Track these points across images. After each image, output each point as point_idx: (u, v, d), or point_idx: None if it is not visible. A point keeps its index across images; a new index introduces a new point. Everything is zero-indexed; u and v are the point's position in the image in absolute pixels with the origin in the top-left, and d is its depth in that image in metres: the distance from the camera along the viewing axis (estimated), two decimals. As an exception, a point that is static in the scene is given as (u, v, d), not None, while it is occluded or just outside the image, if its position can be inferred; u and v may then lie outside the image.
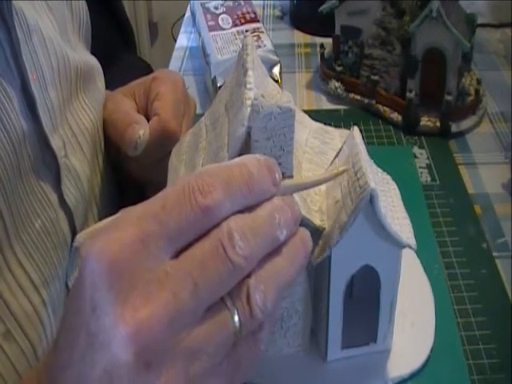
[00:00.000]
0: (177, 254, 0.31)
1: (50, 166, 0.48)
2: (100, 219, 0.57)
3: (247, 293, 0.32)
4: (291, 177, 0.40)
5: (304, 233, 0.35)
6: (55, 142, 0.48)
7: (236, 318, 0.32)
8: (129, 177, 0.63)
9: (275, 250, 0.33)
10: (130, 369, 0.30)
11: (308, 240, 0.35)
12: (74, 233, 0.51)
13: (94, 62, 0.60)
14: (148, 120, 0.56)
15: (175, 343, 0.30)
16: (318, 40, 0.95)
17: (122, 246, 0.30)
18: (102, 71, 0.62)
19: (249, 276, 0.32)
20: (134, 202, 0.34)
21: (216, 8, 0.92)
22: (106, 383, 0.30)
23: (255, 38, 0.85)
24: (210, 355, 0.31)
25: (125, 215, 0.32)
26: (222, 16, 0.90)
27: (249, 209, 0.33)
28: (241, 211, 0.32)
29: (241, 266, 0.31)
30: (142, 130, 0.54)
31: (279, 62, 0.81)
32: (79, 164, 0.53)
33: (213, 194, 0.31)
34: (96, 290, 0.30)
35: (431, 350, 0.49)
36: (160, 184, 0.48)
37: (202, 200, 0.31)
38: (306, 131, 0.49)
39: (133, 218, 0.31)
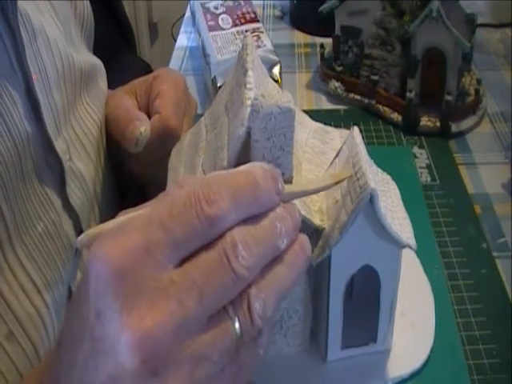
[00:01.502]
0: (181, 263, 0.31)
1: (54, 169, 0.48)
2: (101, 220, 0.57)
3: (248, 302, 0.32)
4: (291, 177, 0.40)
5: (303, 239, 0.36)
6: (59, 146, 0.48)
7: (237, 326, 0.32)
8: (129, 176, 0.63)
9: (276, 258, 0.34)
10: (136, 376, 0.30)
11: (307, 246, 0.36)
12: (79, 235, 0.50)
13: (96, 61, 0.60)
14: (149, 118, 0.56)
15: (180, 351, 0.30)
16: (318, 40, 0.95)
17: (128, 252, 0.30)
18: (104, 71, 0.62)
19: (250, 285, 0.32)
20: (135, 203, 0.34)
21: (216, 8, 0.92)
22: None
23: (255, 38, 0.85)
24: (213, 362, 0.32)
25: (130, 221, 0.32)
26: (222, 16, 0.90)
27: (252, 218, 0.33)
28: (244, 220, 0.33)
29: (243, 277, 0.31)
30: (143, 127, 0.54)
31: (279, 61, 0.81)
32: (84, 167, 0.53)
33: (219, 204, 0.31)
34: (101, 296, 0.30)
35: (431, 350, 0.49)
36: (161, 182, 0.48)
37: (208, 210, 0.31)
38: (306, 131, 0.49)
39: (138, 225, 0.31)
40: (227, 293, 0.31)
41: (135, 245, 0.31)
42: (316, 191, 0.39)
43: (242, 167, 0.35)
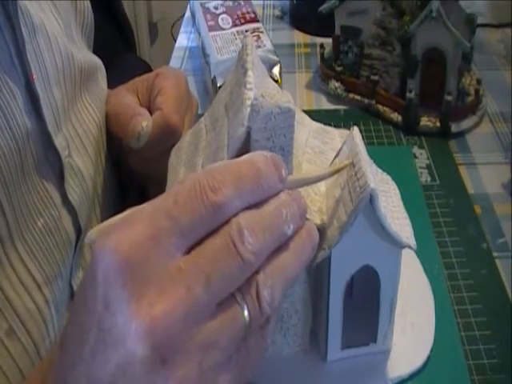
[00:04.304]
0: (188, 250, 0.32)
1: (53, 165, 0.48)
2: (103, 219, 0.57)
3: (256, 288, 0.32)
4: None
5: (310, 226, 0.36)
6: (59, 142, 0.48)
7: (246, 313, 0.32)
8: (130, 174, 0.63)
9: (283, 245, 0.34)
10: (146, 364, 0.30)
11: (314, 233, 0.36)
12: (78, 232, 0.51)
13: (97, 61, 0.60)
14: (150, 115, 0.56)
15: (189, 338, 0.31)
16: (318, 40, 0.95)
17: (135, 242, 0.31)
18: (104, 70, 0.62)
19: (257, 271, 0.33)
20: (135, 203, 0.34)
21: (216, 8, 0.92)
22: (119, 379, 0.30)
23: (255, 38, 0.85)
24: (221, 349, 0.32)
25: (136, 211, 0.32)
26: (222, 16, 0.90)
27: (256, 205, 0.33)
28: (248, 207, 0.33)
29: (250, 262, 0.32)
30: (145, 122, 0.55)
31: (279, 61, 0.81)
32: (83, 164, 0.53)
33: (223, 191, 0.32)
34: (110, 286, 0.30)
35: (431, 350, 0.49)
36: (161, 180, 0.48)
37: (213, 197, 0.31)
38: (306, 131, 0.49)
39: (145, 214, 0.32)
40: (235, 279, 0.32)
41: (142, 234, 0.31)
42: (318, 179, 0.39)
43: (243, 156, 0.35)
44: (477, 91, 0.76)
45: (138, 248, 0.31)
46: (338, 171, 0.40)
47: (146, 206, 0.32)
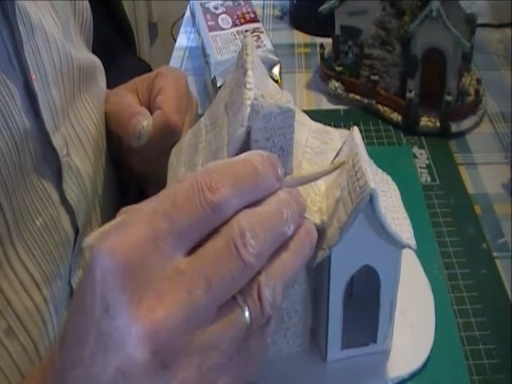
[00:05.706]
0: (188, 252, 0.32)
1: (51, 164, 0.48)
2: (103, 218, 0.57)
3: (258, 290, 0.32)
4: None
5: (309, 224, 0.36)
6: (57, 141, 0.48)
7: (247, 315, 0.32)
8: (130, 173, 0.63)
9: (282, 245, 0.34)
10: (147, 368, 0.30)
11: (313, 232, 0.36)
12: (76, 231, 0.51)
13: (96, 60, 0.60)
14: (151, 114, 0.56)
15: (190, 341, 0.31)
16: (318, 40, 0.95)
17: (134, 244, 0.30)
18: (103, 70, 0.62)
19: (259, 272, 0.32)
20: (135, 202, 0.34)
21: (216, 8, 0.92)
22: (119, 382, 0.30)
23: (255, 38, 0.85)
24: (222, 351, 0.32)
25: (134, 213, 0.32)
26: (222, 16, 0.90)
27: (254, 204, 0.33)
28: (246, 206, 0.33)
29: (252, 265, 0.32)
30: (145, 121, 0.55)
31: (279, 61, 0.81)
32: (81, 163, 0.53)
33: (221, 191, 0.32)
34: (109, 290, 0.30)
35: (431, 350, 0.49)
36: (161, 180, 0.48)
37: (211, 197, 0.31)
38: (306, 131, 0.49)
39: (143, 216, 0.32)
40: (236, 281, 0.31)
41: (140, 236, 0.31)
42: (318, 176, 0.40)
43: (240, 155, 0.35)
44: (477, 91, 0.76)
45: (136, 250, 0.30)
46: (335, 168, 0.40)
47: (143, 207, 0.32)
